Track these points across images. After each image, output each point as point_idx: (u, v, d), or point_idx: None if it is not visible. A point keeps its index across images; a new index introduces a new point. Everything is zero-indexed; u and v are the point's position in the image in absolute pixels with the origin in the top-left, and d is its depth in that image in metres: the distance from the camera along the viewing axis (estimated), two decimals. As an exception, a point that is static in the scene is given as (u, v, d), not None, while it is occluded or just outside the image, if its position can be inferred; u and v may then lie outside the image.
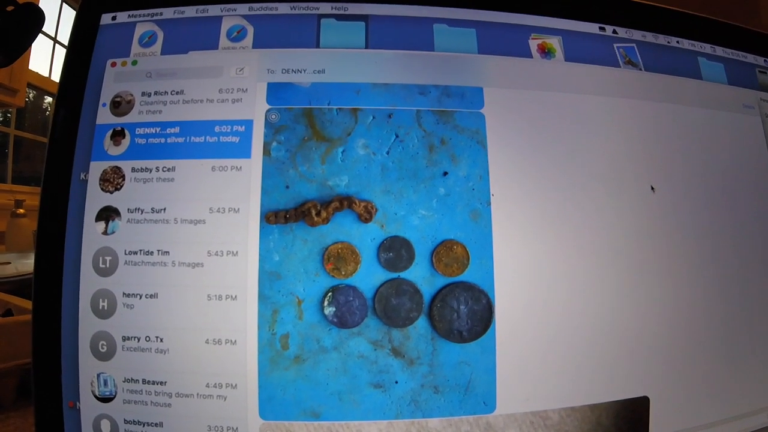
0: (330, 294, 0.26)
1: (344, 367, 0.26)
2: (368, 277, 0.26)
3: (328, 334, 0.26)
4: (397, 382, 0.26)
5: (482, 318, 0.26)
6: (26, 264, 0.72)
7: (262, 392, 0.25)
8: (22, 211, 1.12)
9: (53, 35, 2.91)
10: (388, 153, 0.27)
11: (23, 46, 0.41)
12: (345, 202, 0.26)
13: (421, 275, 0.26)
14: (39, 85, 2.84)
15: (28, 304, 0.55)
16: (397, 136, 0.27)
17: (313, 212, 0.25)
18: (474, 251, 0.26)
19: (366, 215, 0.26)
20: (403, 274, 0.26)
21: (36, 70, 2.75)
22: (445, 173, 0.27)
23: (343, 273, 0.26)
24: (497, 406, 0.26)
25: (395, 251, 0.26)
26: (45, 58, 2.96)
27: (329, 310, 0.26)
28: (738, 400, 0.30)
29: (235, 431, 0.25)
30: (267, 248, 0.26)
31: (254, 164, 0.26)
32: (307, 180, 0.26)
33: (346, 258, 0.26)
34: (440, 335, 0.26)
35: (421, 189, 0.27)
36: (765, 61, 0.36)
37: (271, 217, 0.25)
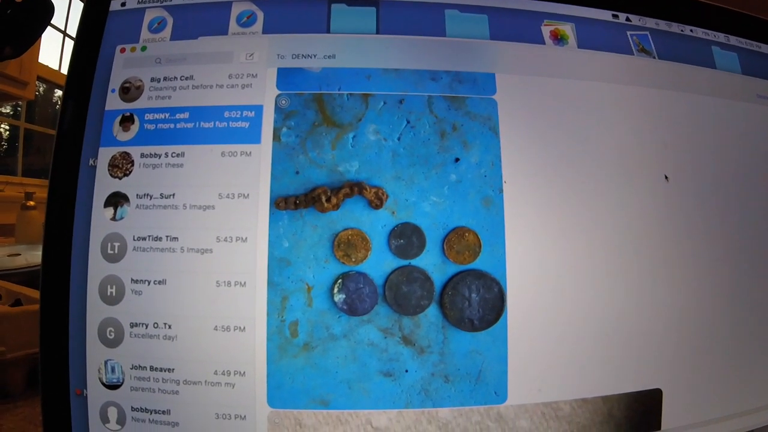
0: (340, 281, 0.25)
1: (354, 355, 0.25)
2: (379, 264, 0.26)
3: (338, 322, 0.25)
4: (407, 371, 0.25)
5: (494, 307, 0.26)
6: (36, 255, 0.72)
7: (271, 380, 0.25)
8: (32, 203, 1.12)
9: (63, 28, 2.92)
10: (399, 139, 0.27)
11: (33, 38, 0.41)
12: (355, 188, 0.25)
13: (432, 262, 0.26)
14: (49, 78, 2.86)
15: (37, 295, 0.54)
16: (408, 122, 0.27)
17: (323, 198, 0.25)
18: (486, 239, 0.26)
19: (377, 201, 0.25)
20: (414, 262, 0.26)
21: (46, 63, 2.77)
22: (457, 159, 0.27)
23: (353, 260, 0.25)
24: (508, 396, 0.26)
25: (406, 238, 0.26)
26: (55, 51, 2.98)
27: (339, 297, 0.25)
28: (749, 396, 0.30)
29: (243, 419, 0.25)
30: (277, 234, 0.25)
31: (264, 150, 0.26)
32: (317, 166, 0.26)
33: (356, 245, 0.26)
34: (451, 324, 0.26)
35: (433, 175, 0.26)
36: (780, 51, 0.36)
37: (281, 202, 0.25)
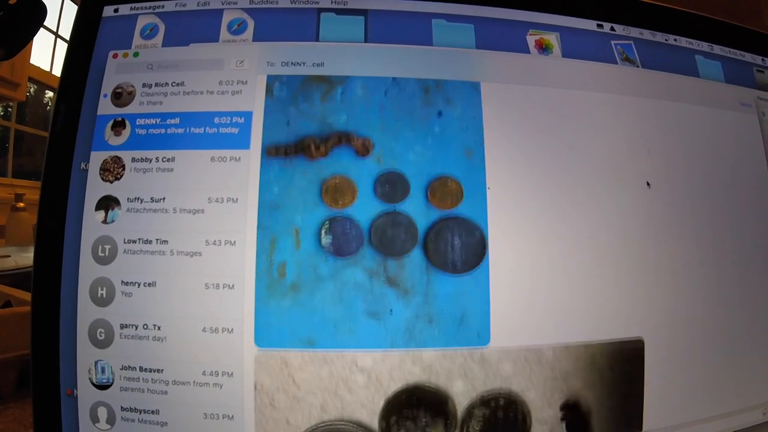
0: (327, 224, 0.26)
1: (340, 295, 0.26)
2: (365, 208, 0.26)
3: (325, 263, 0.26)
4: (391, 312, 0.26)
5: (476, 251, 0.27)
6: (26, 257, 0.72)
7: (259, 319, 0.25)
8: (22, 204, 1.12)
9: (55, 30, 2.91)
10: (385, 94, 0.28)
11: (25, 39, 0.42)
12: (343, 137, 0.27)
13: (416, 208, 0.27)
14: (40, 79, 2.85)
15: (27, 296, 0.55)
16: (394, 79, 0.28)
17: (312, 147, 0.26)
18: (467, 187, 0.27)
19: (363, 150, 0.26)
20: (399, 207, 0.27)
21: (38, 65, 2.76)
22: (440, 113, 0.28)
23: (340, 204, 0.26)
24: (491, 339, 0.26)
25: (391, 184, 0.27)
26: (46, 52, 2.97)
27: (326, 240, 0.26)
28: (732, 352, 0.31)
29: (231, 419, 0.25)
30: (267, 180, 0.26)
31: (253, 155, 0.26)
32: (307, 117, 0.27)
33: (343, 190, 0.26)
34: (434, 266, 0.26)
35: (417, 127, 0.27)
36: (763, 60, 0.37)
37: (272, 150, 0.26)
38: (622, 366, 0.28)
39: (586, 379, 0.27)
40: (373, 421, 0.26)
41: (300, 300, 0.26)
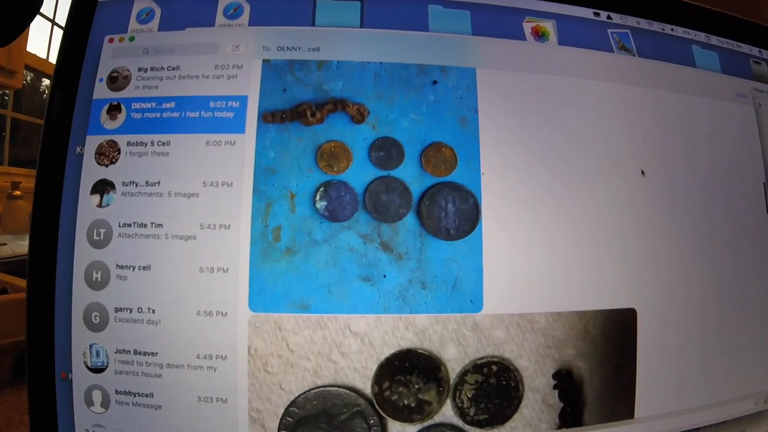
0: (322, 189, 0.26)
1: (334, 259, 0.26)
2: (359, 174, 0.27)
3: (319, 227, 0.26)
4: (385, 276, 0.26)
5: (469, 217, 0.27)
6: (22, 245, 0.73)
7: (253, 284, 0.26)
8: (18, 192, 1.12)
9: (51, 17, 2.89)
10: (380, 63, 0.28)
11: (21, 27, 0.41)
12: (339, 104, 0.27)
13: (410, 174, 0.27)
14: (37, 67, 2.83)
15: (23, 284, 0.55)
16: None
17: (308, 113, 0.26)
18: (462, 154, 0.27)
19: (358, 117, 0.27)
20: (393, 173, 0.27)
21: (34, 52, 2.74)
22: (435, 82, 0.28)
23: (335, 169, 0.27)
24: (484, 305, 0.27)
25: (386, 151, 0.27)
26: (43, 40, 2.95)
27: (321, 204, 0.26)
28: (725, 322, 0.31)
29: (225, 402, 0.25)
30: (263, 145, 0.26)
31: (248, 139, 0.26)
32: (303, 84, 0.27)
33: (338, 155, 0.27)
34: (428, 232, 0.27)
35: (412, 95, 0.28)
36: (760, 51, 0.37)
37: (268, 116, 0.26)
38: (615, 336, 0.28)
39: (578, 348, 0.28)
40: (366, 386, 0.26)
41: (294, 264, 0.26)
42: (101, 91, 0.28)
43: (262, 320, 0.26)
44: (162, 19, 0.28)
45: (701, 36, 0.34)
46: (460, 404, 0.27)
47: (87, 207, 0.26)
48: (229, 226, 0.26)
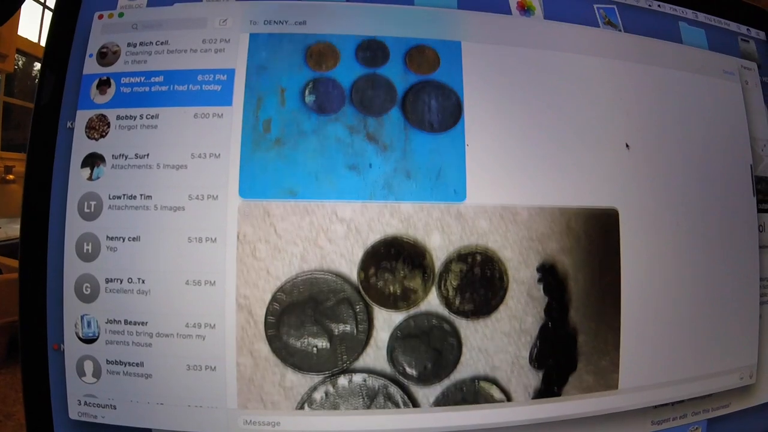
0: (311, 84, 0.27)
1: (322, 148, 0.27)
2: (347, 71, 0.28)
3: (308, 120, 0.27)
4: (371, 165, 0.27)
5: (452, 113, 0.28)
6: (15, 229, 0.73)
7: (243, 172, 0.26)
8: (11, 177, 1.12)
9: (42, 0, 2.86)
10: None
11: (11, 9, 0.41)
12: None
13: (395, 72, 0.28)
14: (28, 50, 2.80)
15: (16, 264, 0.55)
16: None
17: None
18: (444, 55, 0.28)
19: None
20: (379, 71, 0.28)
21: (25, 36, 2.72)
22: None
23: (324, 67, 0.27)
24: (467, 195, 0.27)
25: (372, 51, 0.28)
26: (34, 23, 2.92)
27: (310, 99, 0.27)
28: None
29: (213, 370, 0.26)
30: (256, 45, 0.28)
31: (235, 111, 0.27)
32: None
33: (326, 55, 0.28)
34: (412, 125, 0.28)
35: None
36: (748, 29, 0.37)
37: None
38: (597, 233, 0.29)
39: (562, 243, 0.28)
40: (353, 272, 0.27)
41: (283, 153, 0.27)
42: (91, 66, 0.28)
43: (251, 206, 0.26)
44: (151, -5, 0.29)
45: (689, 13, 0.35)
46: (445, 293, 0.27)
47: (78, 180, 0.27)
48: (217, 197, 0.26)
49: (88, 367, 0.26)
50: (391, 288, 0.27)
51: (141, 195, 0.26)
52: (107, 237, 0.26)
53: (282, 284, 0.26)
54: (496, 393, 0.28)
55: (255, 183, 0.26)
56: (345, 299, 0.27)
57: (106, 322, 0.26)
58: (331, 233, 0.26)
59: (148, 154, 0.27)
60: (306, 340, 0.26)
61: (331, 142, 0.27)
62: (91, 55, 0.28)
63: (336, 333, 0.27)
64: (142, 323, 0.26)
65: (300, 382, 0.26)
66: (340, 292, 0.26)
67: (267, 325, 0.26)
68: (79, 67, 0.28)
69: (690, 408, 0.31)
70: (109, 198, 0.26)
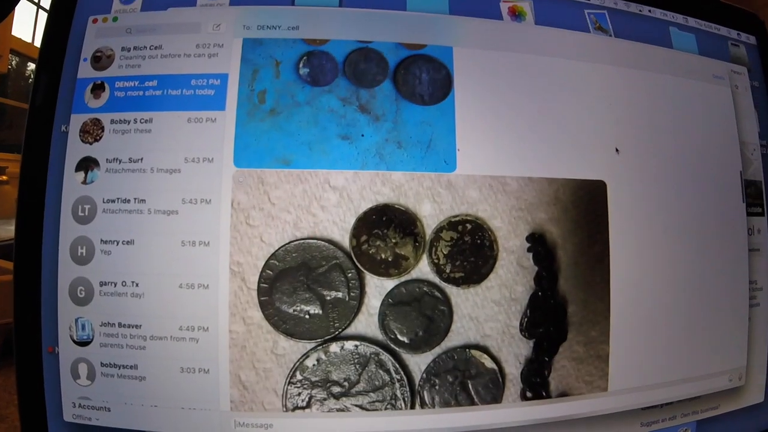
0: (305, 57, 0.28)
1: (315, 119, 0.27)
2: (340, 46, 0.28)
3: (302, 91, 0.28)
4: (363, 135, 0.28)
5: (442, 86, 0.28)
6: (10, 230, 0.72)
7: (238, 141, 0.27)
8: (5, 178, 1.11)
9: (36, 1, 2.85)
10: None
11: (6, 10, 0.41)
12: None
13: (386, 46, 0.29)
14: (22, 51, 2.78)
15: (10, 266, 0.55)
16: None
17: None
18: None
19: None
20: (371, 45, 0.29)
21: (19, 36, 2.71)
22: None
23: (317, 42, 0.28)
24: (458, 166, 0.28)
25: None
26: (28, 24, 2.91)
27: (304, 71, 0.28)
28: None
29: (207, 372, 0.26)
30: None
31: (228, 116, 0.27)
32: None
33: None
34: (403, 97, 0.28)
35: None
36: (738, 34, 0.37)
37: None
38: (585, 204, 0.29)
39: (550, 213, 0.29)
40: (345, 239, 0.27)
41: (278, 123, 0.27)
42: (85, 70, 0.28)
43: (246, 175, 0.27)
44: (144, 0, 0.29)
45: (679, 18, 0.35)
46: (436, 260, 0.28)
47: (72, 184, 0.27)
48: (210, 200, 0.26)
49: (83, 369, 0.27)
50: (383, 255, 0.27)
51: (135, 199, 0.26)
52: (101, 240, 0.26)
53: (275, 250, 0.27)
54: (488, 362, 0.28)
55: (249, 152, 0.27)
56: (337, 265, 0.27)
57: (101, 325, 0.26)
58: (324, 201, 0.27)
59: (141, 158, 0.27)
60: (299, 307, 0.27)
61: (324, 113, 0.27)
62: (85, 59, 0.28)
63: (328, 299, 0.27)
64: (136, 326, 0.26)
65: (292, 349, 0.27)
66: (332, 259, 0.27)
67: (260, 291, 0.26)
68: (73, 71, 0.28)
69: (679, 410, 0.32)
70: (103, 202, 0.27)
